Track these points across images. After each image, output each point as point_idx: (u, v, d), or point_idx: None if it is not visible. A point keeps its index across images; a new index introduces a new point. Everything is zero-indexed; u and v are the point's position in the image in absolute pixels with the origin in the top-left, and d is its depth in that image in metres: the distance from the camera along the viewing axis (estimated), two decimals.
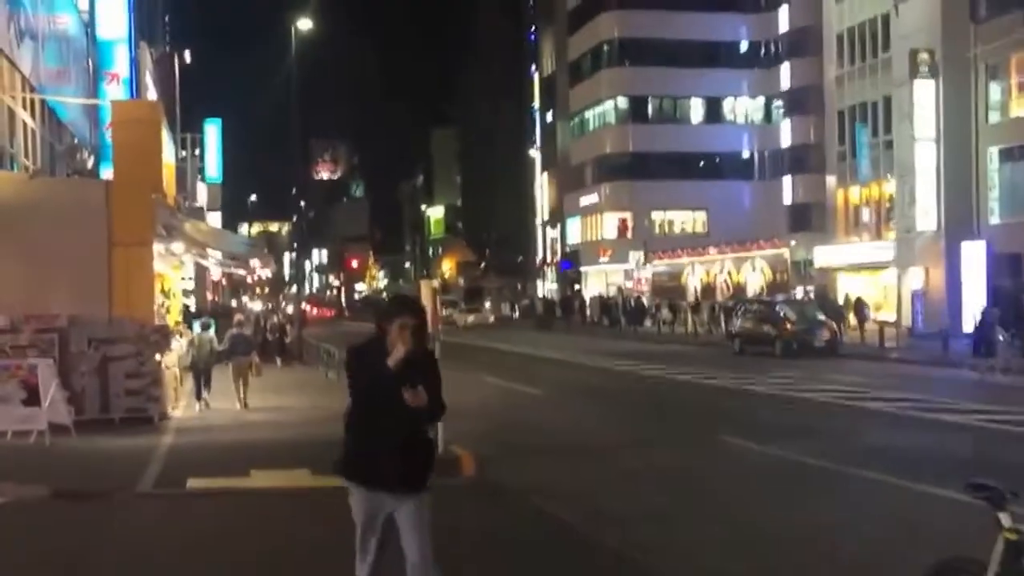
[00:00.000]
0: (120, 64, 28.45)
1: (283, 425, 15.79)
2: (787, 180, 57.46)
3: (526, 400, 18.97)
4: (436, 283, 11.63)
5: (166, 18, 66.44)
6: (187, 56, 53.58)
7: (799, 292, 40.23)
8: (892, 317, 34.20)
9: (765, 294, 42.21)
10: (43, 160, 21.47)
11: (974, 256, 31.18)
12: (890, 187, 35.92)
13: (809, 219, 54.10)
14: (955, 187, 32.18)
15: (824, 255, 40.16)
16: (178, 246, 18.55)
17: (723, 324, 37.92)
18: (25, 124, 20.32)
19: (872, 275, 37.01)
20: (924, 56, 32.49)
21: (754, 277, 45.30)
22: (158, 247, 17.42)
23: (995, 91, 31.70)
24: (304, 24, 33.30)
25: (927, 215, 32.60)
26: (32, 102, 20.54)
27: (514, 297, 76.56)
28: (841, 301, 35.17)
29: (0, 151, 18.11)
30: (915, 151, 32.79)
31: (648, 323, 44.46)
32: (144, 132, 17.74)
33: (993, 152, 31.70)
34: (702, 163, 60.41)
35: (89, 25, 27.03)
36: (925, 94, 32.63)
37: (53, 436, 13.13)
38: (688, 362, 26.93)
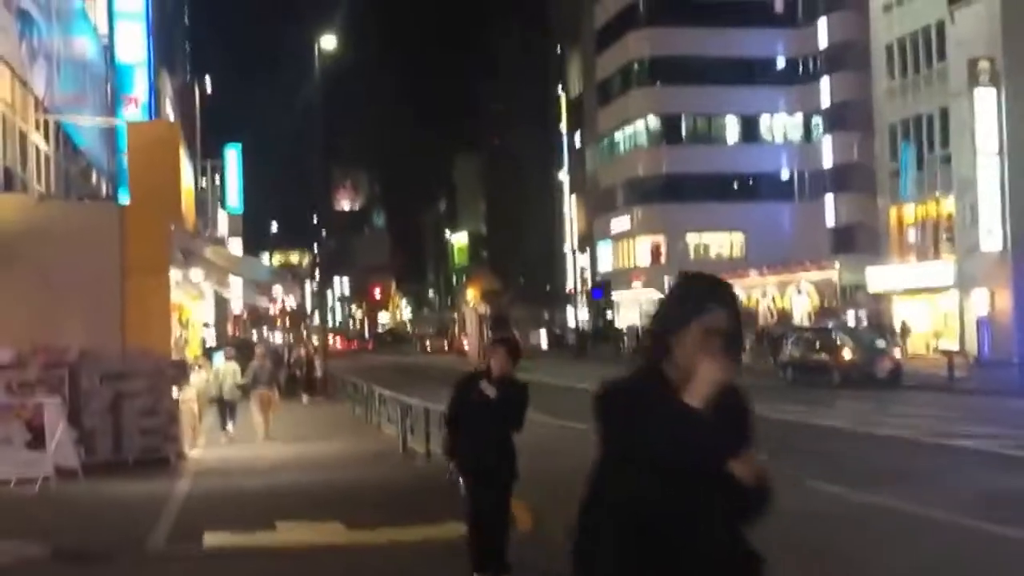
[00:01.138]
0: (139, 88, 28.05)
1: (310, 467, 14.81)
2: (829, 200, 56.32)
3: (579, 439, 17.82)
4: (483, 308, 10.57)
5: (187, 47, 66.67)
6: (208, 85, 53.53)
7: (850, 317, 38.84)
8: (954, 344, 32.87)
9: (813, 320, 40.87)
10: (57, 186, 20.80)
11: None
12: (948, 204, 34.64)
13: (855, 241, 52.88)
14: (1022, 203, 30.93)
15: (877, 278, 38.80)
16: (197, 273, 17.75)
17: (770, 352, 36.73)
18: (38, 148, 19.64)
19: (930, 299, 35.61)
20: (984, 64, 31.34)
21: (800, 302, 43.97)
22: (176, 274, 16.59)
23: None
24: (327, 42, 32.71)
25: (991, 234, 31.28)
26: (46, 125, 19.88)
27: (542, 326, 75.52)
28: (897, 327, 33.88)
29: (10, 175, 17.38)
30: (977, 166, 31.54)
31: None
32: (162, 153, 17.02)
33: None
34: (739, 184, 59.34)
35: (108, 49, 26.65)
36: (986, 105, 31.45)
37: (60, 481, 12.26)
38: None
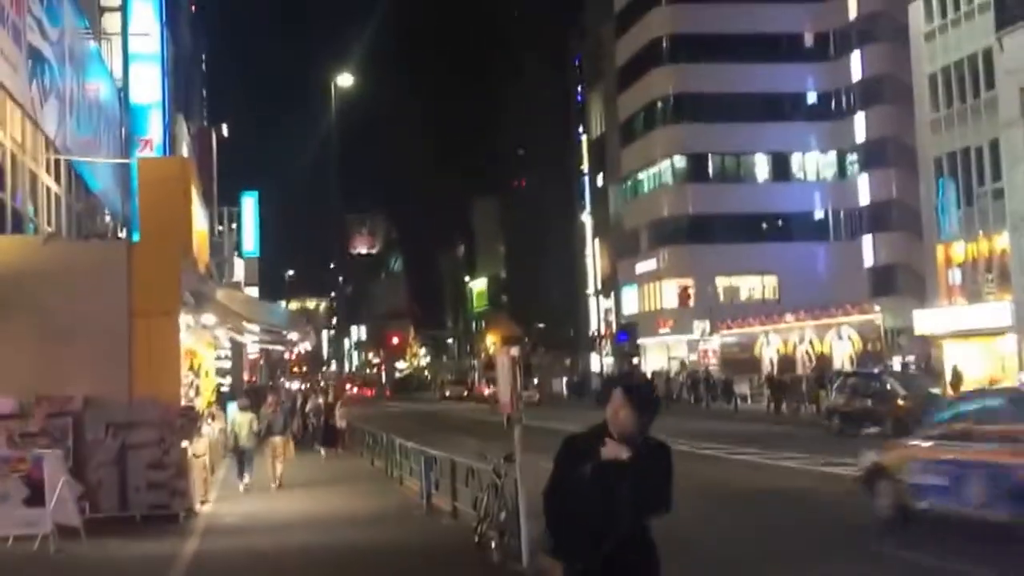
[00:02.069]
0: (154, 130, 27.90)
1: (327, 525, 14.10)
2: (867, 240, 55.44)
3: None
4: (516, 351, 9.92)
5: (204, 93, 67.02)
6: (224, 130, 53.79)
7: (896, 363, 37.76)
8: None
9: (855, 365, 39.82)
10: (69, 229, 20.41)
11: None
12: (1003, 241, 33.67)
13: (895, 282, 51.84)
14: None
15: (925, 320, 37.75)
16: (209, 317, 17.18)
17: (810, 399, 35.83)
18: (49, 189, 19.28)
19: (984, 342, 34.52)
20: None
21: (841, 347, 42.91)
22: (186, 318, 16.02)
23: None
24: (344, 81, 32.47)
25: None
26: (57, 166, 19.55)
27: (564, 372, 74.67)
28: (948, 372, 32.79)
29: (19, 217, 16.97)
30: None
31: (736, 399, 42.12)
32: (172, 190, 16.60)
33: None
34: (769, 224, 58.53)
35: (122, 90, 26.55)
36: None
37: (61, 539, 11.63)
38: (786, 445, 24.76)
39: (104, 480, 13.80)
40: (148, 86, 27.76)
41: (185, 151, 36.91)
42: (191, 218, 17.41)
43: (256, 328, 20.04)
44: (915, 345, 39.53)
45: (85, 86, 21.36)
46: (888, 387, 26.85)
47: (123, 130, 26.08)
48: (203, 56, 63.80)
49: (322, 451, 25.53)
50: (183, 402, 15.40)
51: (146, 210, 16.51)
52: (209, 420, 20.01)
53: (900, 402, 25.85)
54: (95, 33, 23.14)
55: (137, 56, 27.36)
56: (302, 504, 16.36)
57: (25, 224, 17.11)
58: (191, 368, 18.96)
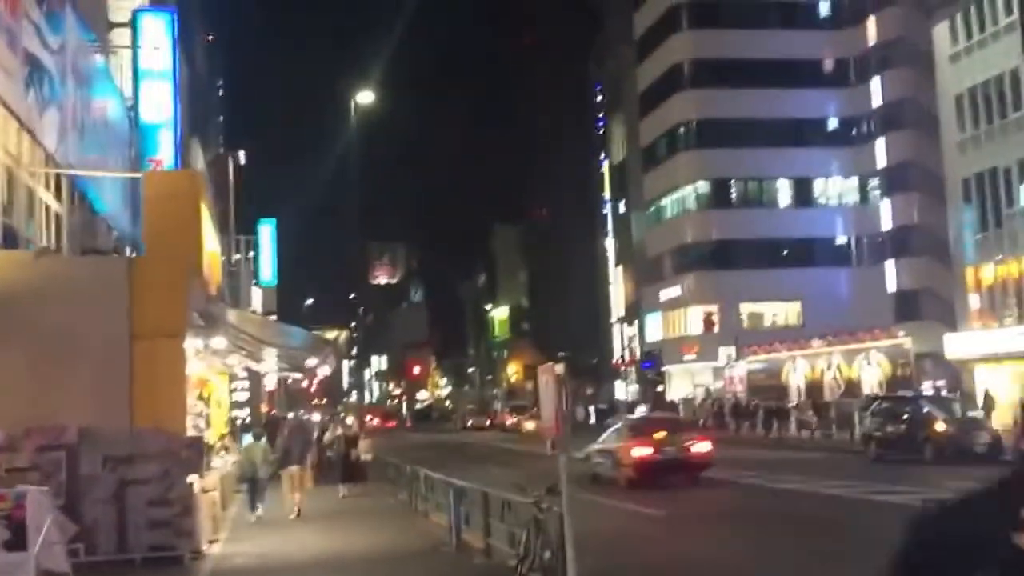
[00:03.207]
0: (164, 150, 26.65)
1: (347, 566, 12.67)
2: (890, 265, 54.08)
3: (651, 528, 15.44)
4: (560, 368, 8.47)
5: (221, 120, 66.25)
6: (242, 157, 52.79)
7: (926, 387, 36.01)
8: None
9: (884, 390, 38.09)
10: (70, 248, 19.09)
11: None
12: None
13: (919, 307, 50.39)
14: None
15: (956, 344, 36.03)
16: (220, 341, 15.78)
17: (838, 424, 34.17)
18: (47, 206, 17.98)
19: (1018, 366, 32.77)
20: None
21: (870, 372, 41.15)
22: (195, 342, 14.65)
23: None
24: (364, 98, 31.28)
25: None
26: (57, 181, 18.27)
27: (589, 400, 72.95)
28: (980, 397, 31.09)
29: (12, 232, 15.64)
30: None
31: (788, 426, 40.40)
32: (181, 205, 15.29)
33: None
34: (793, 250, 57.03)
35: (132, 109, 25.34)
36: None
37: None
38: (822, 472, 23.15)
39: (101, 519, 12.38)
40: (159, 104, 26.52)
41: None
42: (200, 235, 16.06)
43: (273, 353, 18.64)
44: (942, 370, 37.87)
45: (91, 102, 20.12)
46: (927, 412, 25.20)
47: (132, 150, 24.83)
48: (220, 83, 63.03)
49: (342, 488, 21.73)
50: (190, 432, 13.99)
51: (152, 225, 15.20)
52: (222, 453, 18.63)
53: (940, 427, 24.21)
54: (103, 47, 21.96)
55: (147, 73, 26.16)
56: (319, 542, 14.86)
57: (20, 241, 15.76)
58: (201, 397, 17.59)
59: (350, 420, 29.98)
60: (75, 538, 11.41)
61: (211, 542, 14.17)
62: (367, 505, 20.07)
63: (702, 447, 21.01)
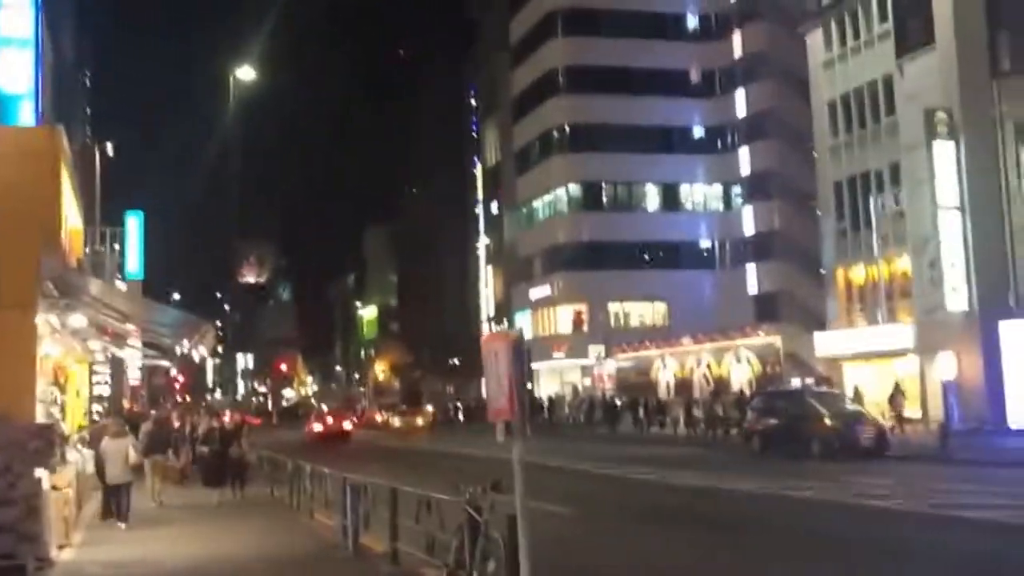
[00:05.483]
0: (25, 122, 23.63)
1: None
2: (751, 269, 54.60)
3: (559, 526, 13.75)
4: (517, 334, 6.74)
5: (87, 110, 61.40)
6: (110, 148, 49.06)
7: (794, 383, 35.85)
8: (916, 411, 30.06)
9: (754, 388, 37.92)
10: None
11: (1015, 337, 27.32)
12: (903, 263, 32.11)
13: (777, 309, 51.00)
14: (987, 260, 28.51)
15: (825, 343, 35.97)
16: (79, 319, 13.35)
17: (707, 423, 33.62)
18: None
19: (885, 364, 32.81)
20: (942, 116, 29.16)
21: (740, 369, 40.98)
22: (51, 318, 12.23)
23: None
24: (244, 74, 28.81)
25: (956, 293, 28.62)
26: None
27: (448, 399, 71.40)
28: (850, 393, 30.93)
29: None
30: (939, 222, 29.04)
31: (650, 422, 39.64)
32: (37, 164, 12.87)
33: None
34: (660, 253, 57.09)
35: None
36: (945, 158, 29.18)
37: None
38: (712, 466, 22.18)
39: None
40: (20, 73, 23.53)
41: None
42: (59, 199, 13.62)
43: (140, 336, 16.18)
44: (807, 368, 37.91)
45: None
46: (814, 406, 24.56)
47: None
48: (87, 72, 58.39)
49: (216, 494, 17.89)
50: (40, 420, 11.59)
51: (2, 185, 12.69)
52: (78, 446, 16.04)
53: (827, 422, 23.56)
54: None
55: (7, 40, 23.18)
56: (188, 547, 12.59)
57: None
58: (56, 383, 15.04)
59: (227, 417, 26.90)
60: None
61: (61, 547, 11.79)
62: (241, 502, 17.78)
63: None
